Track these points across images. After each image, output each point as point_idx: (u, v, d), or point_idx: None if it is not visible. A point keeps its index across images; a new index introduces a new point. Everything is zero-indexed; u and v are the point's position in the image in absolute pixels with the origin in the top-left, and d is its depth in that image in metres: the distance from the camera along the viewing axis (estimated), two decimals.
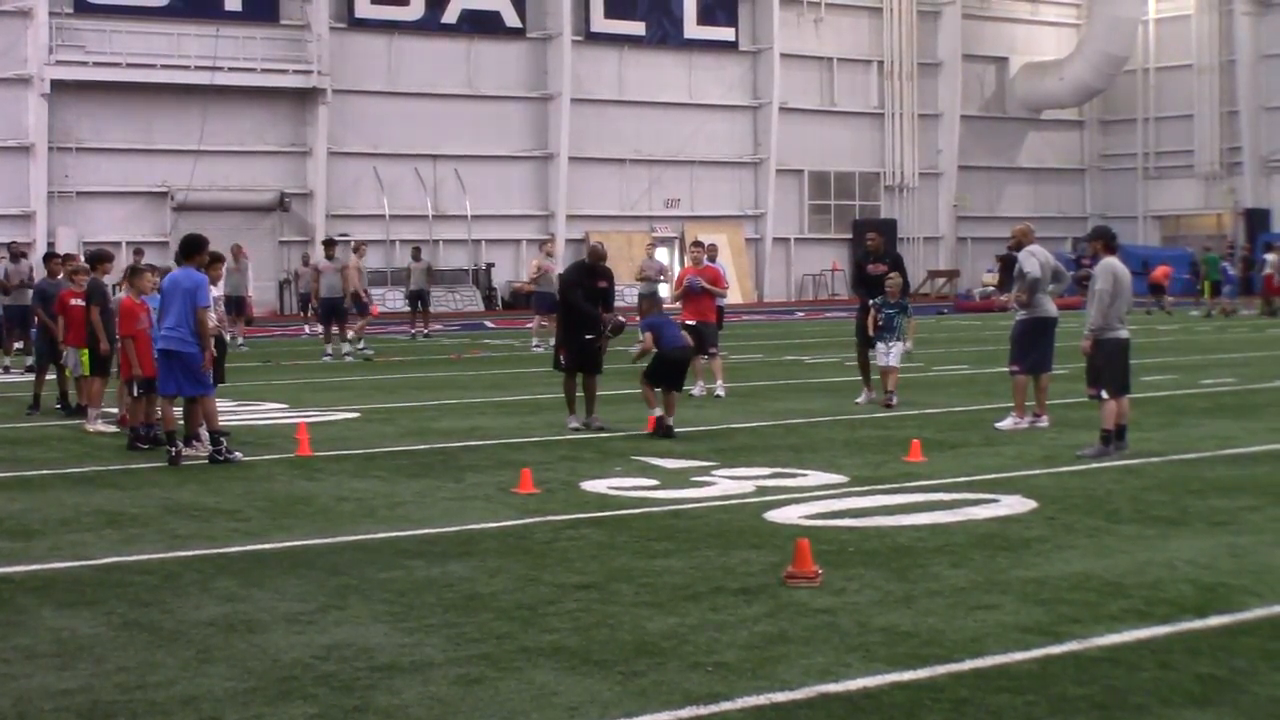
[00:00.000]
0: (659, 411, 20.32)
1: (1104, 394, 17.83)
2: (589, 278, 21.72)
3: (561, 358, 21.45)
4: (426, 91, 62.85)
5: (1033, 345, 20.73)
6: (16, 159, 55.45)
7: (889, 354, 23.79)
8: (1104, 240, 18.50)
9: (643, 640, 9.50)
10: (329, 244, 39.06)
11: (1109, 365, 17.89)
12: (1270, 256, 55.52)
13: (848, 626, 9.78)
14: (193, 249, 18.83)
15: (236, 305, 39.05)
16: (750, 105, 70.26)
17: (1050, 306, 20.90)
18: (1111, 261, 18.06)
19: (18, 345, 33.84)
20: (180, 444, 18.19)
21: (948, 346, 36.91)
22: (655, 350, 20.58)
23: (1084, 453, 17.73)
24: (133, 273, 20.95)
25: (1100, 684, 8.53)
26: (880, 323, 23.80)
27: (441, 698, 8.38)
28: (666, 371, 20.56)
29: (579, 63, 65.22)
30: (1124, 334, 18.02)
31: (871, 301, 24.13)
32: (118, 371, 21.07)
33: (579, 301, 21.27)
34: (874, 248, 25.07)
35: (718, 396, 25.37)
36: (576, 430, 20.84)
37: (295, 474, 17.11)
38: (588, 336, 21.18)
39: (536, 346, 38.34)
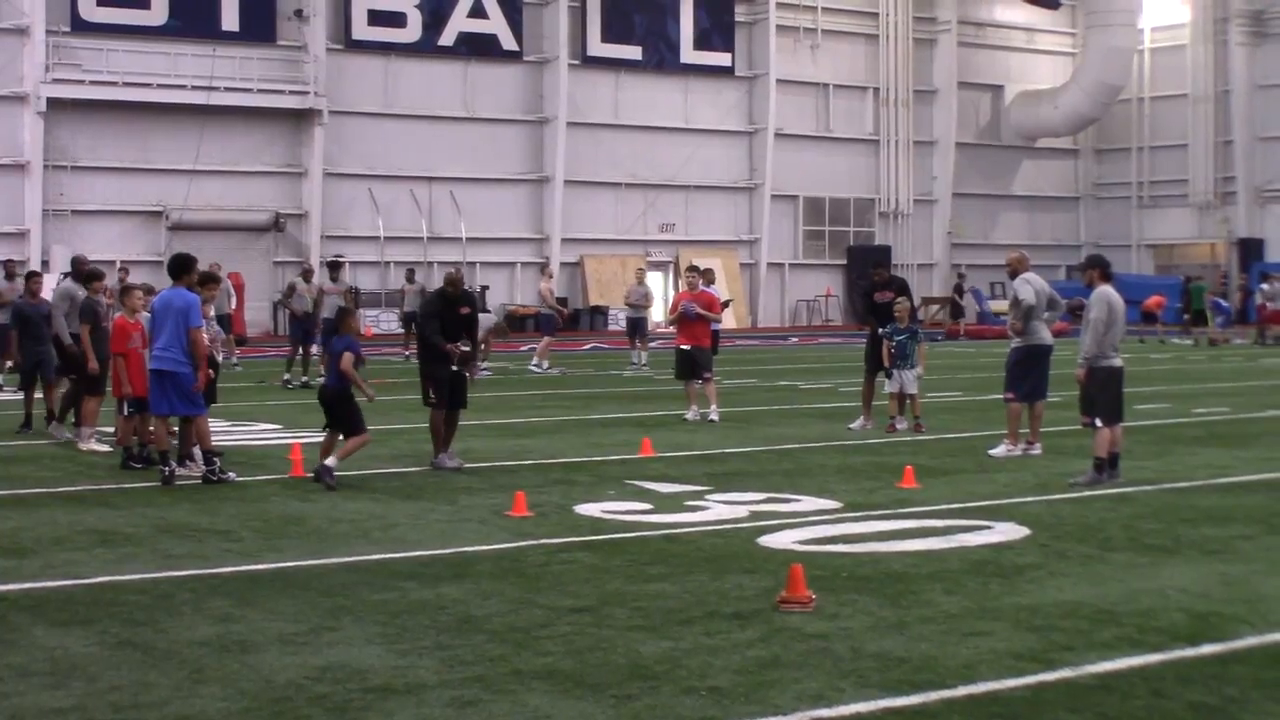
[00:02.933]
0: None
1: (1097, 422, 17.86)
2: (449, 308, 20.43)
3: (431, 393, 20.17)
4: (422, 113, 62.93)
5: (1027, 373, 20.77)
6: (11, 177, 55.45)
7: (908, 381, 23.85)
8: (1099, 269, 18.52)
9: (636, 664, 9.50)
10: (334, 266, 39.01)
11: (1103, 394, 17.91)
12: (1265, 286, 55.67)
13: (841, 652, 9.79)
14: (182, 269, 18.83)
15: (223, 325, 39.07)
16: (746, 130, 70.36)
17: (1045, 335, 20.93)
18: (1106, 290, 18.10)
19: (9, 364, 33.77)
20: (174, 464, 18.19)
21: (940, 373, 36.95)
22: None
23: (1077, 480, 17.74)
24: (123, 292, 20.93)
25: (1093, 711, 8.54)
26: (894, 350, 23.83)
27: None
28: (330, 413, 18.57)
29: (575, 86, 65.29)
30: (1118, 362, 18.05)
31: (882, 330, 24.17)
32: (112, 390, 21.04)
33: (430, 334, 20.14)
34: (879, 278, 25.17)
35: (711, 421, 25.38)
36: (439, 468, 19.67)
37: (289, 495, 17.11)
38: (453, 368, 20.13)
39: (535, 367, 38.46)
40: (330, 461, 17.94)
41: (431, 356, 20.25)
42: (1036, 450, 20.65)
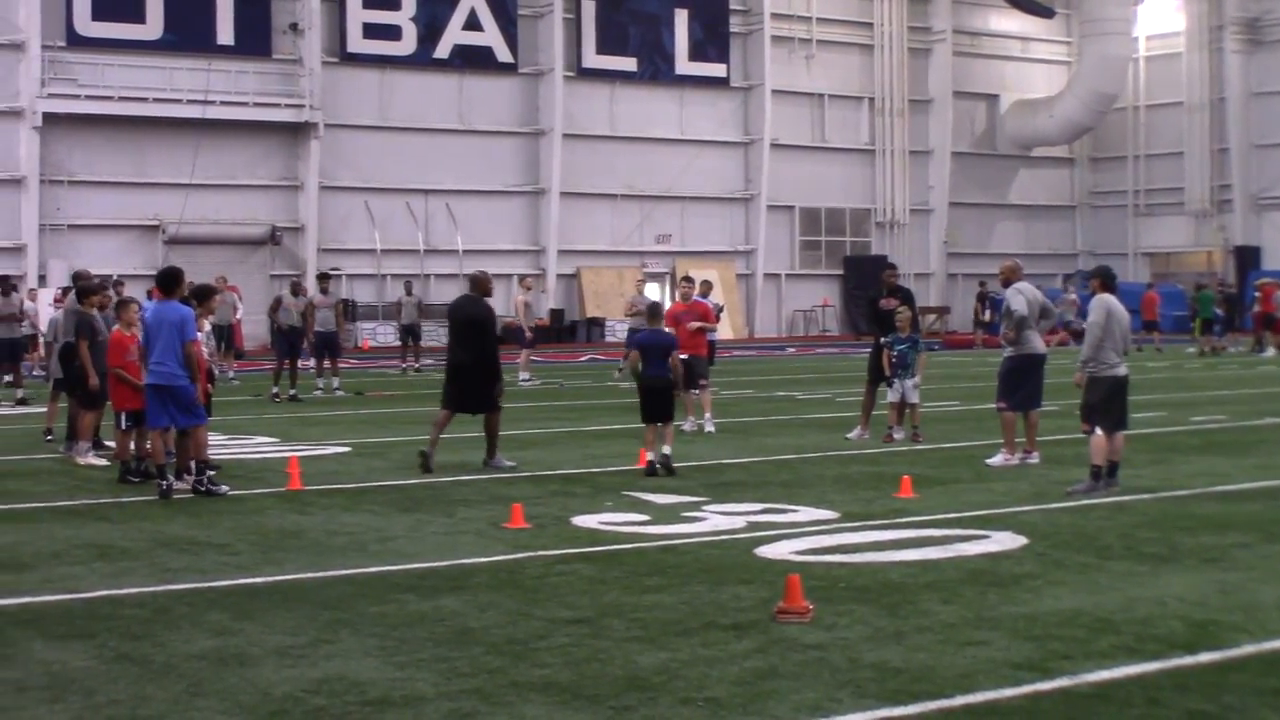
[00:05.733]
0: (652, 455, 19.85)
1: (1098, 429, 17.86)
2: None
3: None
4: (418, 126, 63.00)
5: (1021, 382, 20.75)
6: (8, 192, 55.49)
7: (908, 391, 23.80)
8: (1101, 279, 18.57)
9: (634, 675, 9.50)
10: (322, 278, 38.92)
11: (1106, 402, 17.91)
12: (1259, 294, 55.64)
13: (839, 662, 9.78)
14: (173, 282, 18.86)
15: (225, 336, 39.11)
16: (741, 141, 70.43)
17: (1038, 344, 20.93)
18: (1106, 297, 18.13)
19: (7, 378, 33.80)
20: (171, 478, 18.16)
21: (939, 383, 36.94)
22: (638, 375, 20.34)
23: (1074, 489, 17.73)
24: (121, 305, 20.87)
25: None
26: (894, 359, 23.80)
27: None
28: (650, 403, 20.14)
29: (571, 98, 65.38)
30: (1122, 371, 18.07)
31: (884, 340, 24.13)
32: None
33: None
34: (890, 282, 25.08)
35: (708, 432, 25.39)
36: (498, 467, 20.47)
37: (286, 508, 17.09)
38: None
39: (525, 380, 38.32)
40: (666, 449, 19.88)
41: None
42: (1034, 459, 20.65)
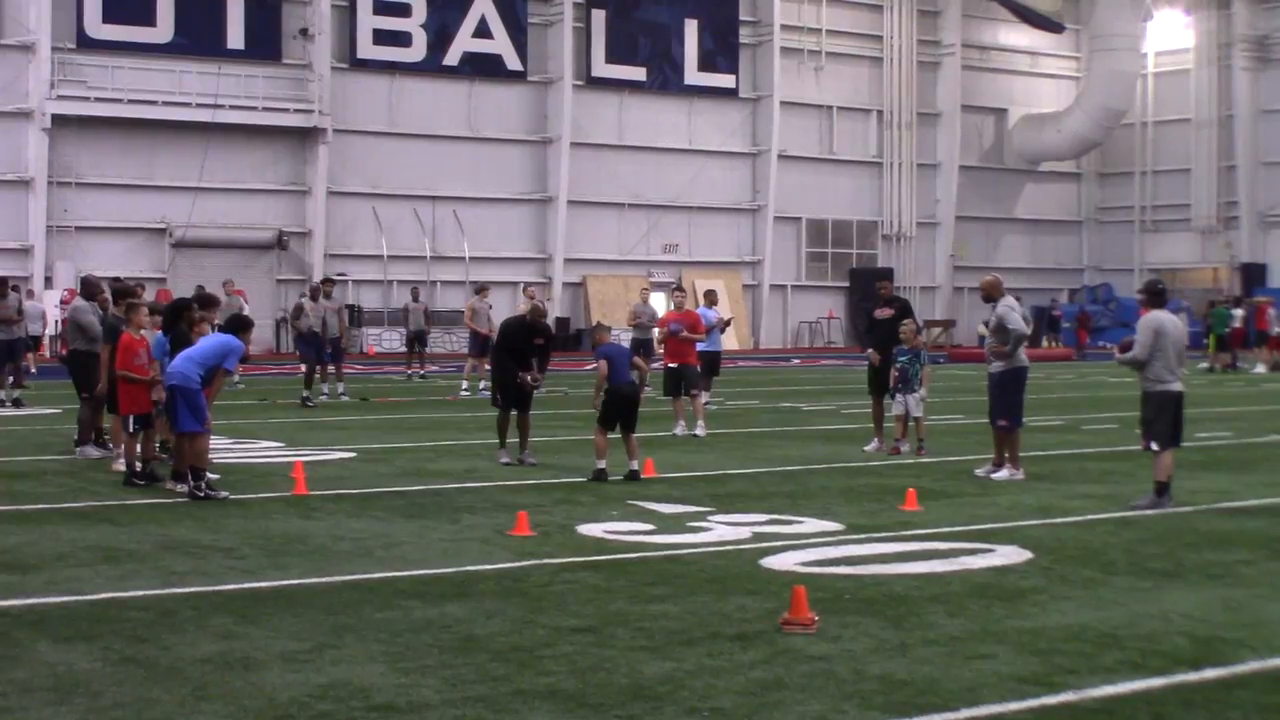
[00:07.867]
0: (603, 464, 20.17)
1: (1154, 446, 17.88)
2: (528, 334, 22.33)
3: (498, 396, 22.24)
4: (426, 133, 63.09)
5: (1015, 396, 20.79)
6: (16, 193, 55.58)
7: (911, 404, 23.71)
8: (1147, 294, 18.50)
9: (639, 684, 9.51)
10: (327, 282, 38.80)
11: (1158, 418, 17.94)
12: (1238, 311, 55.32)
13: (844, 674, 9.79)
14: (243, 328, 19.20)
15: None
16: (749, 152, 70.46)
17: (1024, 356, 20.98)
18: (1156, 315, 18.02)
19: (10, 379, 33.71)
20: (192, 480, 18.07)
21: (943, 395, 36.91)
22: (607, 386, 20.39)
23: (1138, 505, 17.73)
24: (130, 309, 20.79)
25: None
26: (897, 371, 23.76)
27: None
28: (617, 410, 20.36)
29: (579, 107, 65.43)
30: (1176, 387, 18.05)
31: (894, 352, 24.06)
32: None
33: (503, 358, 22.31)
34: (883, 293, 25.16)
35: (697, 436, 25.69)
36: (507, 464, 21.68)
37: (292, 513, 17.10)
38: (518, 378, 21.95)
39: (465, 391, 37.21)
40: (635, 465, 20.27)
41: (501, 367, 22.27)
42: (1019, 474, 20.66)
